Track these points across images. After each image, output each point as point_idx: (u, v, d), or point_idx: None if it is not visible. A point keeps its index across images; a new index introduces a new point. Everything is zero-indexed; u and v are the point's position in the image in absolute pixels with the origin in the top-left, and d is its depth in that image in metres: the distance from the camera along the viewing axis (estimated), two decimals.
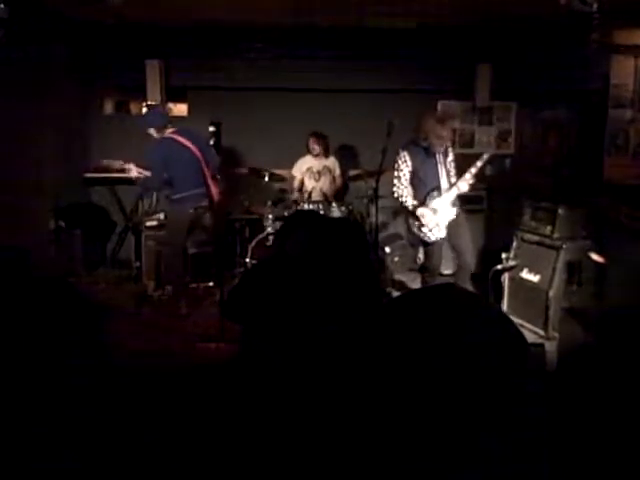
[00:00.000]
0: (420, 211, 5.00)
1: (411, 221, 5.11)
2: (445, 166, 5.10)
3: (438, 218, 5.02)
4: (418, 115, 5.11)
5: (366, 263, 1.90)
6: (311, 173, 6.83)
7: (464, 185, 5.05)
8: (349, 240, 1.88)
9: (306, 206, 6.49)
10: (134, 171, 5.70)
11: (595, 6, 4.40)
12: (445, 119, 5.15)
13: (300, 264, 1.77)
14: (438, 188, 5.04)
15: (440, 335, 0.81)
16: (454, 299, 0.88)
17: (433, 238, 5.04)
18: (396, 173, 5.09)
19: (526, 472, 0.79)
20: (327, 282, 1.71)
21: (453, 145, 5.44)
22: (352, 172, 7.02)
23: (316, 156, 6.78)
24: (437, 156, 5.06)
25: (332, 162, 6.88)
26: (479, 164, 5.02)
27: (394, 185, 5.10)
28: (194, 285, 6.20)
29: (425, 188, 5.04)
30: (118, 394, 1.38)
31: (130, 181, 7.17)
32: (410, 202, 5.05)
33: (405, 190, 5.06)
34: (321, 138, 6.75)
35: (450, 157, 5.16)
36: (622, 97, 6.36)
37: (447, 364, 0.78)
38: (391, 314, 0.89)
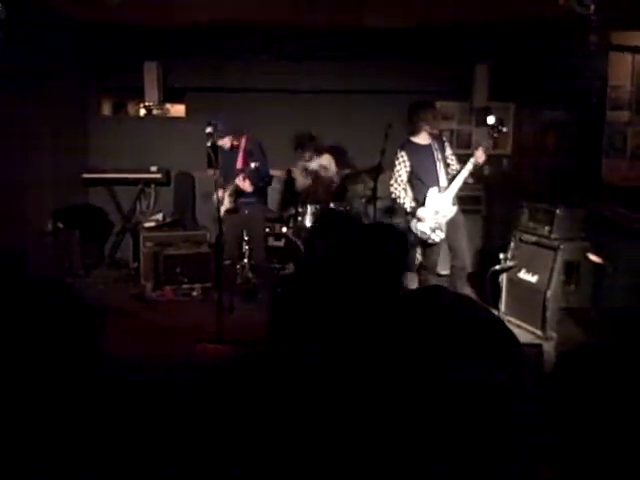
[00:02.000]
0: (420, 213, 4.95)
1: (412, 223, 5.06)
2: (444, 162, 5.06)
3: (439, 218, 4.97)
4: (409, 110, 5.08)
5: (394, 268, 1.96)
6: (308, 173, 6.83)
7: (466, 171, 4.94)
8: (381, 245, 1.93)
9: (304, 207, 6.50)
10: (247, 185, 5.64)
11: (593, 7, 4.41)
12: (434, 106, 5.15)
13: (330, 270, 1.83)
14: (437, 186, 5.00)
15: (428, 338, 0.81)
16: (443, 301, 0.88)
17: (437, 239, 5.00)
18: (393, 174, 5.05)
19: (521, 471, 0.80)
20: (356, 286, 1.77)
21: (450, 145, 5.42)
22: (351, 172, 7.02)
23: (309, 160, 6.72)
24: (435, 153, 5.03)
25: (327, 160, 6.84)
26: (470, 167, 4.95)
27: (391, 186, 5.06)
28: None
29: (424, 187, 5.00)
30: (116, 395, 1.38)
31: (127, 182, 7.20)
32: (408, 204, 5.00)
33: (403, 192, 5.01)
34: (302, 137, 6.68)
35: (448, 151, 5.13)
36: (620, 99, 6.37)
37: (435, 366, 0.78)
38: (383, 318, 0.90)
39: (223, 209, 5.62)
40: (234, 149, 5.71)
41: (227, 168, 5.68)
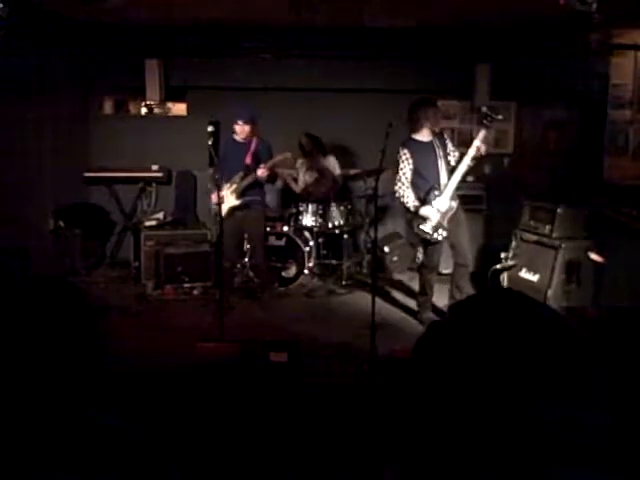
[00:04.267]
0: (424, 211, 4.93)
1: (415, 222, 5.03)
2: (445, 159, 5.05)
3: (440, 215, 4.95)
4: (409, 108, 5.07)
5: None
6: (311, 173, 6.84)
7: (465, 166, 4.91)
8: None
9: (305, 206, 6.51)
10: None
11: (594, 6, 4.40)
12: (435, 103, 5.15)
13: None
14: (438, 185, 4.98)
15: (504, 340, 0.77)
16: (511, 304, 0.84)
17: (440, 238, 4.97)
18: (398, 173, 5.03)
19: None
20: None
21: (452, 143, 5.40)
22: (352, 171, 7.03)
23: (309, 155, 6.75)
24: (436, 150, 5.02)
25: (331, 162, 6.88)
26: (468, 160, 4.92)
27: (396, 185, 5.03)
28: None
29: (426, 184, 4.98)
30: (118, 394, 1.38)
31: (128, 181, 7.20)
32: (412, 203, 4.97)
33: (407, 191, 4.99)
34: (311, 139, 6.72)
35: (450, 148, 5.11)
36: (622, 97, 6.35)
37: (513, 369, 0.75)
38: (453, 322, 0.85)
39: (226, 208, 5.48)
40: (244, 144, 5.51)
41: (232, 164, 5.52)
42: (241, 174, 5.47)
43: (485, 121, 4.91)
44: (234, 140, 5.55)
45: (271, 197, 7.11)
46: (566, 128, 7.32)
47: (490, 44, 7.00)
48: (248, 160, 5.49)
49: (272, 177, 5.61)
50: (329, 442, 2.93)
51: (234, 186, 5.51)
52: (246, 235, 5.92)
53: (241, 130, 5.45)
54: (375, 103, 7.04)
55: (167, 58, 7.15)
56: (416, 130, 5.02)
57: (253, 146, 5.51)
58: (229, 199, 5.52)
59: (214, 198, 5.49)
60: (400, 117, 5.15)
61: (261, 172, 5.33)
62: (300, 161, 6.88)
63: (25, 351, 1.17)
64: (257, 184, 5.52)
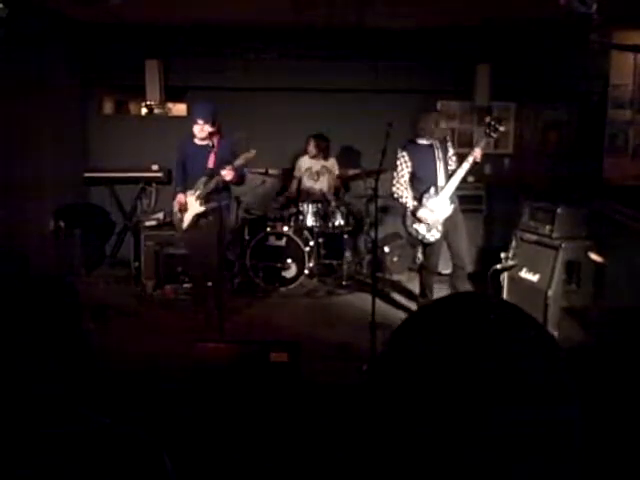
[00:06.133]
0: (421, 213, 4.97)
1: (408, 222, 5.09)
2: (444, 162, 5.08)
3: (435, 218, 5.00)
4: (416, 115, 5.14)
5: None
6: (310, 173, 6.85)
7: (463, 171, 4.97)
8: None
9: (305, 206, 6.51)
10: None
11: (594, 6, 4.40)
12: (440, 117, 5.20)
13: None
14: (435, 186, 5.02)
15: (474, 344, 0.76)
16: (482, 307, 0.83)
17: (432, 239, 5.03)
18: (395, 174, 5.08)
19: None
20: None
21: (452, 144, 5.43)
22: (351, 172, 7.03)
23: (315, 157, 6.80)
24: (436, 152, 5.05)
25: (331, 163, 6.89)
26: (466, 166, 4.97)
27: (393, 186, 5.10)
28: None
29: (423, 186, 5.04)
30: (116, 393, 1.38)
31: (128, 181, 7.20)
32: (411, 203, 5.03)
33: (405, 191, 5.06)
34: (322, 141, 6.76)
35: (450, 152, 5.16)
36: (621, 97, 6.35)
37: (476, 404, 0.73)
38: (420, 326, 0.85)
39: (191, 215, 5.14)
40: (206, 146, 5.03)
41: (194, 169, 5.12)
42: (204, 179, 5.00)
43: (488, 130, 4.97)
44: (194, 142, 5.06)
45: (269, 198, 7.10)
46: (566, 128, 7.33)
47: (490, 44, 7.00)
48: (211, 163, 5.01)
49: (240, 179, 5.14)
50: (329, 442, 2.93)
51: (198, 192, 5.06)
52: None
53: (200, 130, 4.98)
54: (375, 103, 7.04)
55: (167, 58, 7.14)
56: (417, 136, 5.09)
57: (215, 148, 5.01)
58: (194, 206, 5.11)
59: (176, 205, 5.20)
60: (401, 117, 5.16)
61: (226, 174, 4.83)
62: (302, 160, 6.89)
63: (14, 349, 1.17)
64: (223, 188, 5.02)
